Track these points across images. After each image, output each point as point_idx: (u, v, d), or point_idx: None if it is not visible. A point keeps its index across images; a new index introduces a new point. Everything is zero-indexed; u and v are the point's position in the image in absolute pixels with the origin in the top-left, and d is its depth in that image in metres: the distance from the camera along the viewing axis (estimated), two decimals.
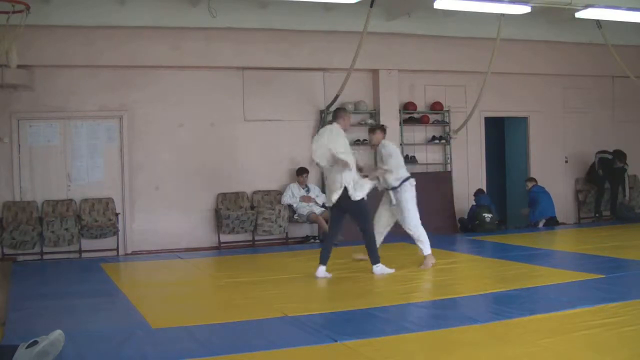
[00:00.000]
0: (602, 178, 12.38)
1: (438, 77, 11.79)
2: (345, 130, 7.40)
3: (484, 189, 11.95)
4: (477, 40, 11.10)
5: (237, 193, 10.61)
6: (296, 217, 10.55)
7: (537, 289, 6.32)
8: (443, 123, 11.83)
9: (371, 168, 8.12)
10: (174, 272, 8.44)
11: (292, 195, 10.52)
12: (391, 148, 7.88)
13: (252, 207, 10.55)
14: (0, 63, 8.40)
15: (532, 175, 12.24)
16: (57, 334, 4.11)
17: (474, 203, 11.47)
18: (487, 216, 11.17)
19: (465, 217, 11.57)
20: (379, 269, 7.31)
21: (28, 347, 3.95)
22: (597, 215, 12.60)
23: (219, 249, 10.30)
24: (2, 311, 5.89)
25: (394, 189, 7.74)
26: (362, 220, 7.36)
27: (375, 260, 7.34)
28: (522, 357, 4.20)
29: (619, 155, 12.28)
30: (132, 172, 10.15)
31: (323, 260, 7.28)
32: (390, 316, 5.47)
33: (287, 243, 10.64)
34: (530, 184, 11.93)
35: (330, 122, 7.61)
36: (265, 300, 6.17)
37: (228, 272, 7.92)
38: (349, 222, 7.58)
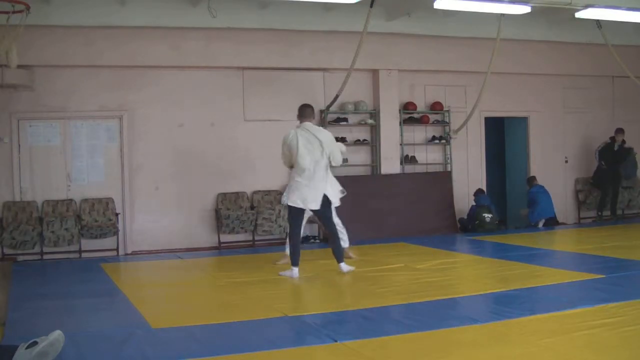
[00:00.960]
0: (606, 179, 12.31)
1: (438, 77, 11.78)
2: None
3: (484, 189, 11.94)
4: (477, 40, 11.10)
5: (237, 193, 10.61)
6: None
7: (537, 289, 6.33)
8: (443, 123, 11.82)
9: None
10: (174, 272, 8.45)
11: None
12: None
13: (252, 207, 10.55)
14: (0, 63, 8.40)
15: (532, 175, 12.22)
16: (57, 334, 4.11)
17: (474, 203, 11.46)
18: (487, 216, 11.16)
19: (465, 217, 11.55)
20: (345, 265, 7.43)
21: (28, 347, 3.96)
22: (600, 214, 12.58)
23: (219, 249, 10.30)
24: (2, 311, 5.89)
25: None
26: (331, 223, 7.53)
27: (341, 258, 7.45)
28: (522, 357, 4.20)
29: (617, 131, 12.17)
30: (132, 172, 10.14)
31: (295, 262, 7.34)
32: (390, 316, 5.48)
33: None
34: (531, 183, 11.93)
35: (302, 121, 7.46)
36: (265, 300, 6.17)
37: (228, 272, 7.91)
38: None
